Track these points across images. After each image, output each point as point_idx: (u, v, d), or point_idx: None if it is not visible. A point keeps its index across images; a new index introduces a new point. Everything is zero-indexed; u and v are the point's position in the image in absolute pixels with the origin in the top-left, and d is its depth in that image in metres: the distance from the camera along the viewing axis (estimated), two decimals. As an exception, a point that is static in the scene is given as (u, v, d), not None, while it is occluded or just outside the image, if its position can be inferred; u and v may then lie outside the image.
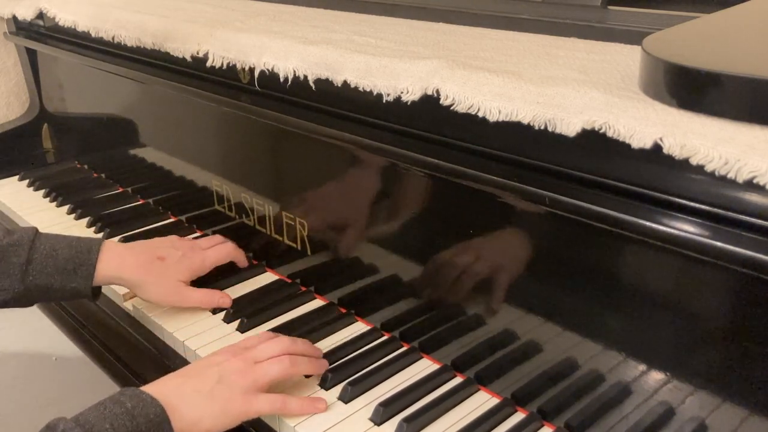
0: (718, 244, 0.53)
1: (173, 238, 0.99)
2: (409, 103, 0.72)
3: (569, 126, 0.59)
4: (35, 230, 0.88)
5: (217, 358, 0.75)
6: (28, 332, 1.67)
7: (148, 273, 0.90)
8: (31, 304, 0.89)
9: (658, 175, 0.58)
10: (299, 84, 0.83)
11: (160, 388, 0.70)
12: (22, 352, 1.70)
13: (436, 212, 0.78)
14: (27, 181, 1.39)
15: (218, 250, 0.98)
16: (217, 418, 0.70)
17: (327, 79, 0.80)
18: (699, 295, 0.59)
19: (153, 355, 0.91)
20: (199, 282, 0.96)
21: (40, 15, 1.39)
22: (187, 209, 1.19)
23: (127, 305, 0.97)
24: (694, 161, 0.52)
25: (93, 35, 1.20)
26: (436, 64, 0.71)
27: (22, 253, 0.84)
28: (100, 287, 0.91)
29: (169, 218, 1.21)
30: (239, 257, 1.01)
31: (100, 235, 1.16)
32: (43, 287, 0.85)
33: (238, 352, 0.76)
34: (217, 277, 0.99)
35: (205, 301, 0.93)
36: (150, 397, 0.67)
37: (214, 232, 1.10)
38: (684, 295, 0.60)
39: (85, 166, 1.45)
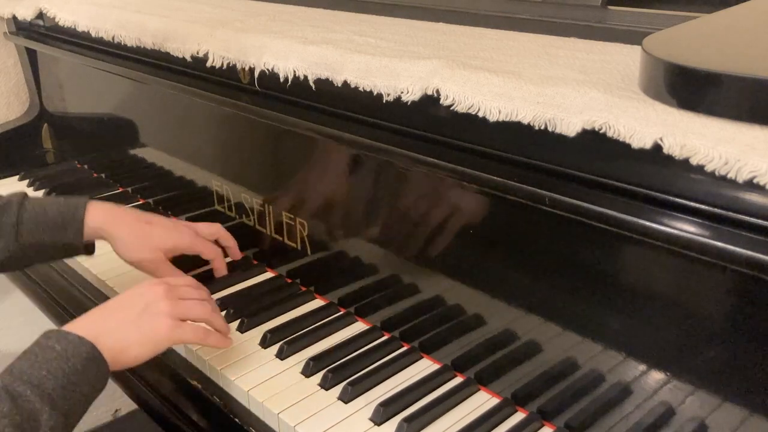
0: (718, 244, 0.53)
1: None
2: (409, 103, 0.72)
3: (569, 126, 0.59)
4: (24, 194, 0.91)
5: (141, 289, 0.77)
6: (28, 332, 1.67)
7: (130, 230, 0.91)
8: (27, 266, 0.91)
9: (658, 175, 0.58)
10: (299, 84, 0.83)
11: (85, 324, 0.72)
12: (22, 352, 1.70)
13: (436, 212, 0.78)
14: (27, 181, 1.39)
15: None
16: (144, 344, 0.72)
17: (327, 79, 0.80)
18: (699, 295, 0.59)
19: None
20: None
21: (40, 15, 1.39)
22: (187, 209, 1.19)
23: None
24: (694, 161, 0.52)
25: (93, 35, 1.20)
26: (436, 64, 0.71)
27: (12, 214, 0.88)
28: (93, 243, 0.93)
29: (169, 218, 1.21)
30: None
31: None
32: (36, 245, 0.88)
33: (161, 283, 0.78)
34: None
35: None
36: (77, 337, 0.68)
37: (214, 232, 1.10)
38: (684, 295, 0.60)
39: (85, 166, 1.45)
